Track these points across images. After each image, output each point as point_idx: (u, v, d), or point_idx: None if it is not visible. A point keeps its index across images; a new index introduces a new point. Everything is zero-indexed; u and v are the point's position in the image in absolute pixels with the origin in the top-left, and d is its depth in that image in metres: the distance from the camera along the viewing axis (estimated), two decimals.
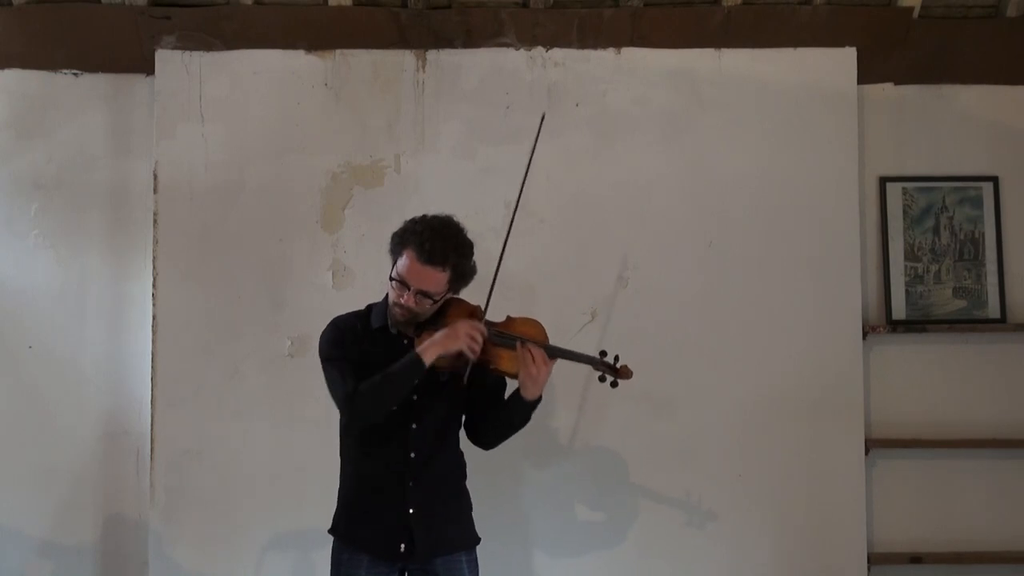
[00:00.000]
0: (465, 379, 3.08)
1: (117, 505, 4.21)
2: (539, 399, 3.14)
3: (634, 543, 4.12)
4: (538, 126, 3.28)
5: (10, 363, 4.24)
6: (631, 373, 3.20)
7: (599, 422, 4.14)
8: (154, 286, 4.14)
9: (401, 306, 3.10)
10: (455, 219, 3.16)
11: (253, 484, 4.10)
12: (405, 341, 3.15)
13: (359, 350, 3.15)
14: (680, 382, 4.15)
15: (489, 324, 3.14)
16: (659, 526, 4.12)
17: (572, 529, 4.13)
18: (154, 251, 4.15)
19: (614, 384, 3.20)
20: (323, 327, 3.26)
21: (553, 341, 3.20)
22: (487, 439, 3.29)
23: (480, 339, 3.05)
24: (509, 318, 3.21)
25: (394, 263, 3.12)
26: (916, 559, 4.17)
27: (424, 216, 3.14)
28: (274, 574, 4.09)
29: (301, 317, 4.10)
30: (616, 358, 3.20)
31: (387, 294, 3.19)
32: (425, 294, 3.07)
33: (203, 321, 4.14)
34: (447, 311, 3.16)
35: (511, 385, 3.23)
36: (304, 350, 4.04)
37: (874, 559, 4.16)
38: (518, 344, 3.09)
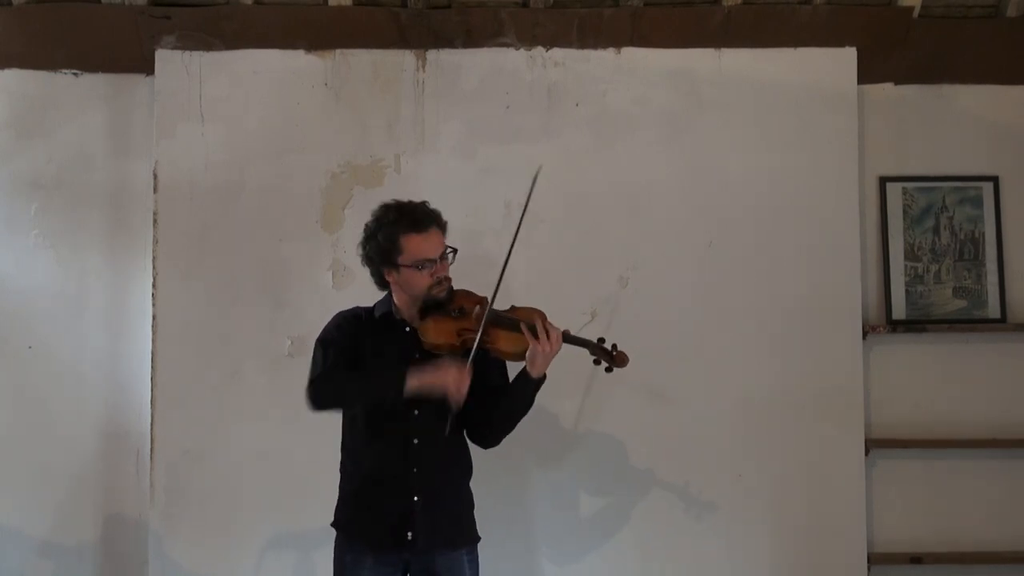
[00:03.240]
0: (471, 359, 3.08)
1: (117, 505, 4.21)
2: (543, 379, 3.15)
3: (635, 544, 4.12)
4: (533, 179, 3.20)
5: (10, 363, 4.24)
6: (627, 360, 3.21)
7: (600, 423, 4.14)
8: (154, 286, 4.14)
9: (440, 281, 3.15)
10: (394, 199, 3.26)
11: (253, 484, 4.09)
12: (407, 329, 3.19)
13: (362, 338, 3.19)
14: (680, 382, 4.15)
15: (493, 310, 3.15)
16: (660, 527, 4.11)
17: (573, 530, 4.13)
18: (154, 251, 4.15)
19: (608, 369, 3.21)
20: (323, 327, 3.29)
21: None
22: (489, 434, 3.28)
23: (465, 386, 3.05)
24: (513, 307, 3.23)
25: (392, 263, 3.14)
26: (916, 559, 4.17)
27: (378, 212, 3.21)
28: (274, 574, 4.09)
29: (301, 317, 4.10)
30: (614, 346, 3.21)
31: (388, 293, 3.23)
32: (445, 254, 3.15)
33: (203, 321, 4.14)
34: (455, 299, 3.18)
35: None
36: (304, 350, 4.00)
37: (874, 559, 4.16)
38: (538, 320, 3.11)
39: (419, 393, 3.06)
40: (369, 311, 3.28)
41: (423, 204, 3.19)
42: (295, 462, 4.07)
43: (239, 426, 4.12)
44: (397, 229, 3.13)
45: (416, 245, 3.12)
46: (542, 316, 3.17)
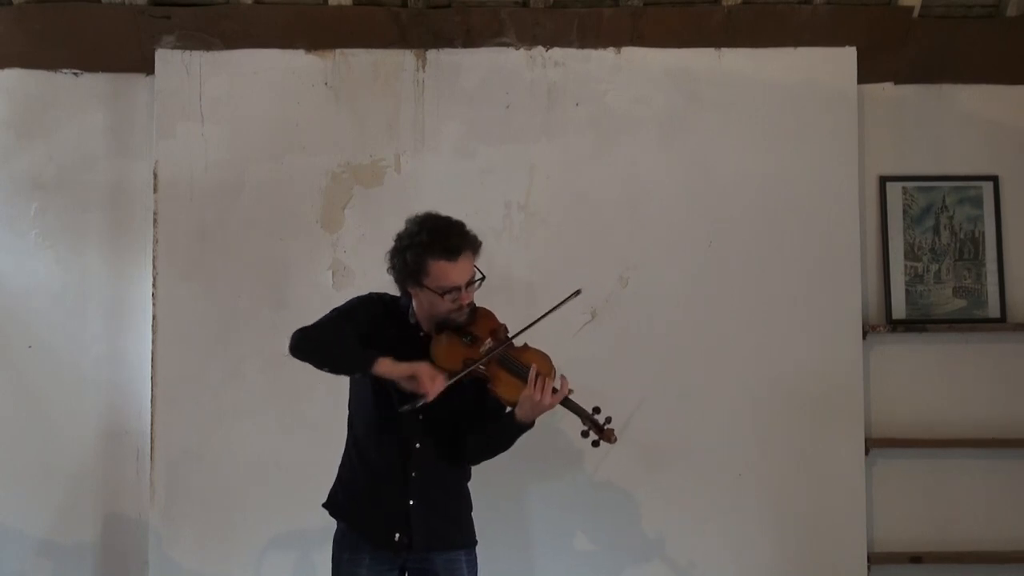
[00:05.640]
0: (454, 380, 3.04)
1: (117, 505, 4.21)
2: (529, 425, 3.12)
3: (634, 543, 4.11)
4: (567, 297, 3.21)
5: (10, 363, 4.24)
6: (615, 439, 3.14)
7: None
8: (154, 286, 4.14)
9: (461, 308, 3.09)
10: (430, 212, 3.17)
11: (253, 484, 4.09)
12: (420, 334, 3.17)
13: (378, 326, 3.15)
14: (680, 382, 4.15)
15: (505, 346, 3.13)
16: (659, 526, 4.11)
17: (571, 530, 4.13)
18: (154, 251, 4.15)
19: (595, 444, 3.15)
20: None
21: (554, 343, 3.21)
22: (470, 455, 3.26)
23: (438, 387, 2.99)
24: (526, 346, 3.19)
25: (416, 283, 3.08)
26: (916, 559, 4.17)
27: (412, 227, 3.13)
28: (274, 574, 4.09)
29: (301, 317, 4.04)
30: (608, 419, 3.15)
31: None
32: (471, 281, 3.09)
33: (203, 321, 4.14)
34: (474, 321, 3.16)
35: None
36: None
37: (874, 559, 4.16)
38: (531, 371, 3.05)
39: (389, 377, 3.03)
40: (393, 301, 3.24)
41: (459, 226, 3.10)
42: (295, 462, 4.07)
43: (239, 426, 4.12)
44: (427, 252, 3.05)
45: (443, 271, 3.04)
46: (546, 364, 3.13)
